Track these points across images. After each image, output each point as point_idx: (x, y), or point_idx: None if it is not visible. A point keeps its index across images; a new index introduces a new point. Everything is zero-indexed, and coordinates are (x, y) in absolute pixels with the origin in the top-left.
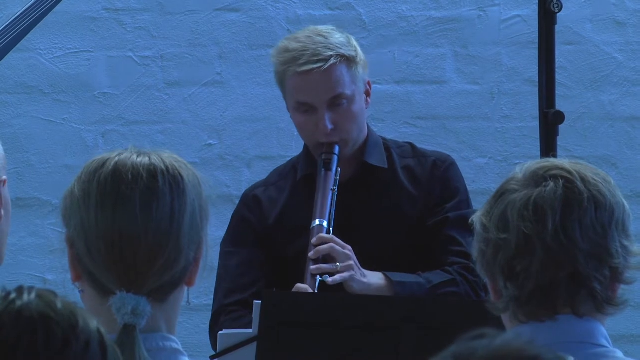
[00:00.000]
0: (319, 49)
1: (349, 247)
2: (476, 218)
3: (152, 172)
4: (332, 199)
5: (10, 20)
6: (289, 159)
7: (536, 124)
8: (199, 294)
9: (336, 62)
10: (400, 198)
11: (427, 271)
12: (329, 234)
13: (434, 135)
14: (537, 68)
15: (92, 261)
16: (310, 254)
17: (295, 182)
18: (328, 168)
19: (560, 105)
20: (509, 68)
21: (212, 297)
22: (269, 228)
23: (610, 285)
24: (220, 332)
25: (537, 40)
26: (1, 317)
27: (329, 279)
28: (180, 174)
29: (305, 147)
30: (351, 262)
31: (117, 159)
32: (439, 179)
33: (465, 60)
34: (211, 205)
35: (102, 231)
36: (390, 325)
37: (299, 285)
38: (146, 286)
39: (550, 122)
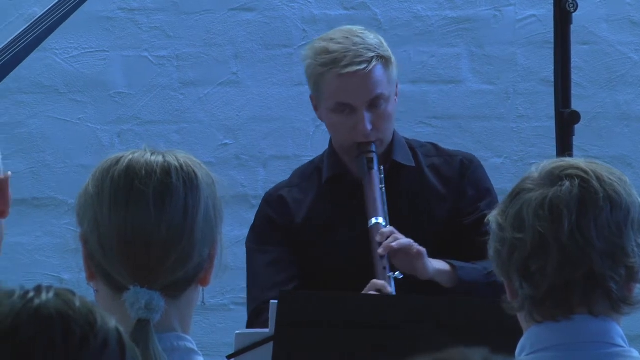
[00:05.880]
0: (360, 50)
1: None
2: (492, 217)
3: (166, 169)
4: (382, 197)
5: (31, 22)
6: (304, 158)
7: (552, 123)
8: (215, 294)
9: (377, 64)
10: (429, 197)
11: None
12: None
13: (449, 135)
14: (553, 68)
15: (105, 257)
16: (380, 250)
17: (321, 183)
18: (371, 167)
19: (575, 105)
20: (524, 68)
21: (228, 296)
22: (296, 227)
23: (626, 284)
24: (236, 332)
25: (552, 40)
26: (19, 315)
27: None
28: (194, 171)
29: (330, 148)
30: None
31: (131, 156)
32: (469, 180)
33: (481, 60)
34: (226, 205)
35: (115, 227)
36: (406, 324)
37: (375, 281)
38: (159, 282)
39: (565, 121)
